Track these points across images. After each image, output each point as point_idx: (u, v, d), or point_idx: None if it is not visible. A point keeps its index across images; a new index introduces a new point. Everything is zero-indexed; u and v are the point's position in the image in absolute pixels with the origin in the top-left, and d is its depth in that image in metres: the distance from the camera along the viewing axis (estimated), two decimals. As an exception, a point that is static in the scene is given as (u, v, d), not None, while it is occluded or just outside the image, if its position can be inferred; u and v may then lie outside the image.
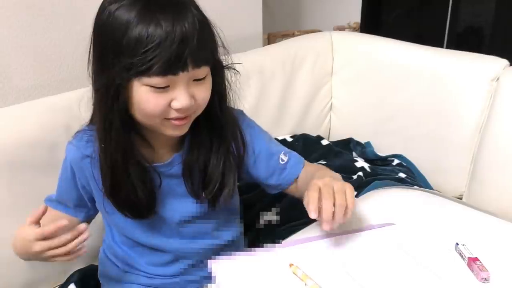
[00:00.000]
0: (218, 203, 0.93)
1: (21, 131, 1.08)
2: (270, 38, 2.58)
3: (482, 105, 1.42)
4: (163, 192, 0.92)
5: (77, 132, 0.95)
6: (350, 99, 1.77)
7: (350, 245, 0.83)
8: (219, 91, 0.88)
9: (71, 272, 1.14)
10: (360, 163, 1.55)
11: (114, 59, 0.76)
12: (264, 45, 2.15)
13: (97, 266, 1.08)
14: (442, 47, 2.04)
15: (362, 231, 0.86)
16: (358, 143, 1.69)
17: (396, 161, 1.57)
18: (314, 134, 1.72)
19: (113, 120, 0.81)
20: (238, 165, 0.95)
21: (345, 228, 0.86)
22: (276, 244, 0.85)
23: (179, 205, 0.94)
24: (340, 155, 1.60)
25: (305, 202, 0.81)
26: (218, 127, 0.90)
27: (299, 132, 1.70)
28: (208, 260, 0.81)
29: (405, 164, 1.56)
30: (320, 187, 0.81)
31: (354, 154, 1.65)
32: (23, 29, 1.39)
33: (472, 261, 0.77)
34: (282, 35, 2.57)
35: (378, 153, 1.63)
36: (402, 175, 1.48)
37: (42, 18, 1.40)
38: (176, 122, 0.82)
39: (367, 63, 1.71)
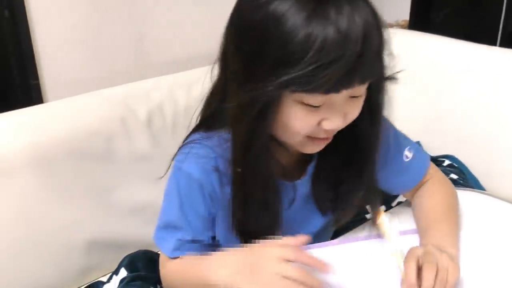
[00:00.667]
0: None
1: (80, 122, 1.11)
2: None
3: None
4: (293, 210, 0.81)
5: (185, 147, 0.77)
6: (400, 97, 1.74)
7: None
8: (375, 105, 0.74)
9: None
10: (410, 163, 1.52)
11: (268, 70, 0.62)
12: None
13: (144, 251, 1.08)
14: (495, 45, 1.98)
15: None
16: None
17: (447, 162, 1.54)
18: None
19: (254, 140, 0.68)
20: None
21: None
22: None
23: (303, 223, 0.83)
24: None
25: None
26: (362, 144, 0.76)
27: (346, 131, 1.68)
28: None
29: (456, 165, 1.52)
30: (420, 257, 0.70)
31: (403, 153, 1.63)
32: (80, 24, 1.43)
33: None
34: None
35: (429, 153, 1.60)
36: (453, 176, 1.45)
37: (97, 13, 1.44)
38: (319, 142, 0.71)
39: (418, 62, 1.68)
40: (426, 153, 0.90)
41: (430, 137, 1.63)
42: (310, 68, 0.59)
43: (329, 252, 0.81)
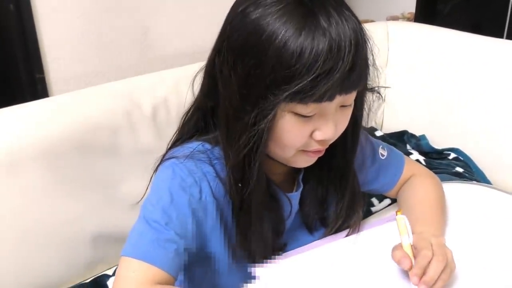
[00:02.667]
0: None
1: (84, 115, 1.12)
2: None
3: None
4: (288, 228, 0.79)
5: (176, 156, 0.71)
6: (405, 90, 1.73)
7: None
8: (356, 118, 0.72)
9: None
10: (415, 156, 1.52)
11: (264, 88, 0.61)
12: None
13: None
14: (502, 38, 1.96)
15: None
16: (412, 135, 1.65)
17: (452, 155, 1.53)
18: (367, 126, 1.69)
19: (252, 154, 0.66)
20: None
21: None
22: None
23: (294, 242, 0.80)
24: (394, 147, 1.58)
25: (396, 255, 0.70)
26: (344, 157, 0.76)
27: (352, 123, 1.68)
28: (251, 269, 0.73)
29: (462, 159, 1.52)
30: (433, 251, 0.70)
31: (408, 146, 1.62)
32: (85, 18, 1.43)
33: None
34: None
35: (434, 146, 1.59)
36: (459, 169, 1.44)
37: (102, 7, 1.44)
38: (312, 155, 0.69)
39: (424, 54, 1.67)
40: (397, 150, 0.92)
41: (436, 130, 1.62)
42: (306, 80, 0.59)
43: (340, 245, 0.81)
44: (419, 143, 1.61)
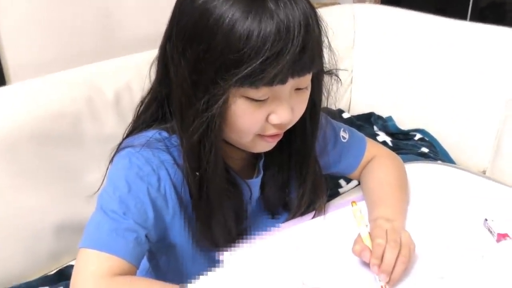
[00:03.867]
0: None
1: (43, 104, 1.08)
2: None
3: (509, 78, 1.39)
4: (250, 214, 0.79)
5: (131, 145, 0.70)
6: (371, 72, 1.74)
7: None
8: (315, 102, 0.72)
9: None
10: (382, 137, 1.53)
11: (215, 73, 0.61)
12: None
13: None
14: (465, 20, 1.98)
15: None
16: (379, 117, 1.67)
17: (418, 136, 1.55)
18: (335, 108, 1.70)
19: (207, 140, 0.65)
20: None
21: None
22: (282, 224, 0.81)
23: (256, 222, 0.80)
24: (361, 129, 1.59)
25: (357, 250, 0.70)
26: (304, 142, 0.76)
27: (319, 106, 1.68)
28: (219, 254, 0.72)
29: (427, 139, 1.54)
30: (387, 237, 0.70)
31: (375, 128, 1.64)
32: (43, 3, 1.38)
33: (502, 237, 0.75)
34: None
35: (400, 127, 1.61)
36: (424, 149, 1.46)
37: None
38: (270, 139, 0.68)
39: (390, 36, 1.68)
40: (359, 132, 0.92)
41: (402, 111, 1.64)
42: (255, 64, 0.58)
43: (305, 228, 0.81)
44: (386, 125, 1.62)
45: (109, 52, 1.40)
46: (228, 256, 0.73)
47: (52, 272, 1.12)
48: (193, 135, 0.64)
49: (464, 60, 1.49)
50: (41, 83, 1.15)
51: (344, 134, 0.87)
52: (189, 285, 0.67)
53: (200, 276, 0.69)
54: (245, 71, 0.59)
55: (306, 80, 0.65)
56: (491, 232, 0.78)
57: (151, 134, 0.71)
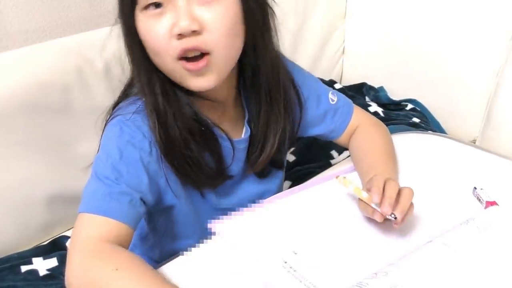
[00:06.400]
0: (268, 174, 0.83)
1: (32, 74, 1.06)
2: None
3: (501, 48, 1.39)
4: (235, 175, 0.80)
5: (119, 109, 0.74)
6: (363, 43, 1.73)
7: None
8: (253, 25, 0.70)
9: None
10: (374, 107, 1.53)
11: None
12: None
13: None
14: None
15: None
16: (371, 87, 1.67)
17: (409, 106, 1.56)
18: (327, 79, 1.69)
19: (142, 65, 0.70)
20: (292, 130, 0.82)
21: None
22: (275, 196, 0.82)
23: (243, 191, 0.82)
24: (353, 100, 1.58)
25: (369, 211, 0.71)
26: (269, 84, 0.75)
27: (311, 76, 1.68)
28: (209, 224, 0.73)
29: (418, 109, 1.55)
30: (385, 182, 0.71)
31: (367, 98, 1.63)
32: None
33: (490, 205, 0.76)
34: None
35: (392, 98, 1.61)
36: (416, 120, 1.47)
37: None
38: (189, 65, 0.66)
39: (381, 7, 1.66)
40: (347, 98, 0.93)
41: (393, 81, 1.64)
42: None
43: (304, 195, 0.82)
44: (378, 95, 1.62)
45: (97, 22, 1.37)
46: (219, 227, 0.73)
47: (45, 243, 1.13)
48: (138, 73, 0.70)
49: (456, 30, 1.48)
50: (28, 53, 1.13)
51: (332, 97, 0.88)
52: (180, 257, 0.69)
53: (192, 249, 0.70)
54: None
55: None
56: (480, 200, 0.79)
57: (141, 101, 0.72)
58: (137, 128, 0.70)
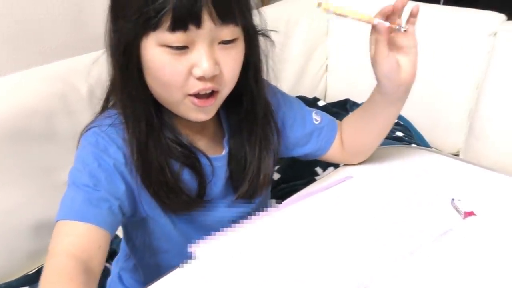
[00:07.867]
0: (256, 197, 0.82)
1: (17, 101, 1.07)
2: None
3: (480, 61, 1.41)
4: (215, 192, 0.79)
5: (97, 120, 0.75)
6: (346, 59, 1.75)
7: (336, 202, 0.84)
8: (256, 65, 0.74)
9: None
10: (358, 123, 1.54)
11: (122, 10, 0.65)
12: (258, 7, 2.12)
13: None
14: (439, 3, 2.00)
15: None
16: (354, 103, 1.68)
17: (393, 120, 1.57)
18: (311, 96, 1.71)
19: (132, 89, 0.68)
20: (275, 151, 0.83)
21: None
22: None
23: (224, 202, 0.81)
24: (337, 116, 1.60)
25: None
26: (253, 108, 0.77)
27: (295, 94, 1.69)
28: (190, 248, 0.73)
29: (402, 123, 1.56)
30: None
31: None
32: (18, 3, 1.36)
33: (468, 215, 0.77)
34: (275, -4, 2.51)
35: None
36: (399, 134, 1.48)
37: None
38: (199, 102, 0.67)
39: (363, 23, 1.68)
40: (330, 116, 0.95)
41: (377, 96, 1.66)
42: (154, 4, 0.61)
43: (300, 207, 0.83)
44: (362, 111, 1.64)
45: (82, 48, 1.39)
46: (200, 250, 0.73)
47: (32, 272, 1.12)
48: (123, 94, 0.69)
49: (437, 43, 1.50)
50: (13, 80, 1.13)
51: (316, 117, 0.89)
52: (162, 278, 0.68)
53: (174, 270, 0.70)
54: (144, 9, 0.61)
55: (229, 32, 0.65)
56: (458, 211, 0.80)
57: (115, 113, 0.73)
58: (111, 140, 0.71)
